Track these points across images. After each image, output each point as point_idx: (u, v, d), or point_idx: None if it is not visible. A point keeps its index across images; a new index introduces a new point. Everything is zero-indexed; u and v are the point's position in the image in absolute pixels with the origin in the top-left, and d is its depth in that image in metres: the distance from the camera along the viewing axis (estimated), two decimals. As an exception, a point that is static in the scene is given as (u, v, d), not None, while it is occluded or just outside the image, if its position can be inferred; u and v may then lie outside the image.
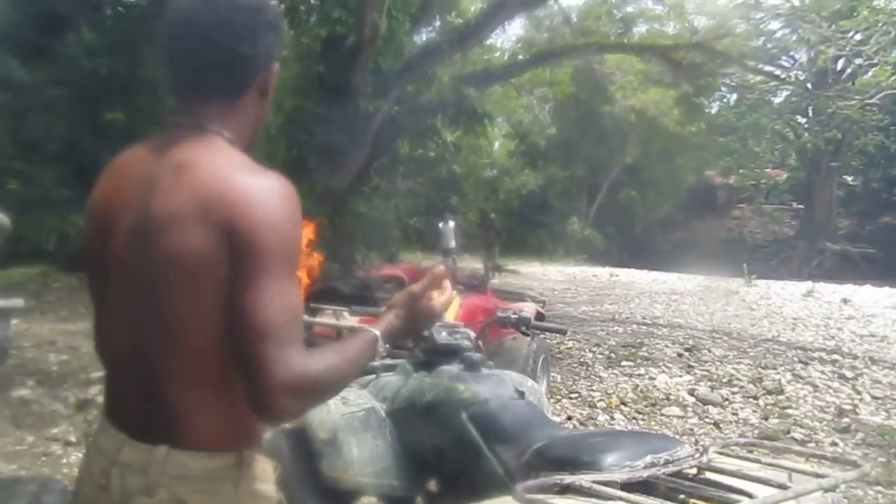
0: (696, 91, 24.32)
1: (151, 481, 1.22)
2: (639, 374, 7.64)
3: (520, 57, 22.03)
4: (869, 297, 17.10)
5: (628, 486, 1.76)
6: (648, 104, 24.59)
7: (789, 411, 6.29)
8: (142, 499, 1.23)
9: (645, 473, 1.86)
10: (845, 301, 16.01)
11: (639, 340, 9.73)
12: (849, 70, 28.31)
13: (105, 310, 1.34)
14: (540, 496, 1.63)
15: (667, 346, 9.56)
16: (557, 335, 7.69)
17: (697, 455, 1.99)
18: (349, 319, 5.26)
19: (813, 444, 5.27)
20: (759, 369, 8.15)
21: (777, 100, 33.73)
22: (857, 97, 20.86)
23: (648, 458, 1.94)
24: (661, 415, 6.11)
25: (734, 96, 35.32)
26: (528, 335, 3.66)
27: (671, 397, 6.67)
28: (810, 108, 33.37)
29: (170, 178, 1.24)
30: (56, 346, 7.13)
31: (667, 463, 1.93)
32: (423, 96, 15.21)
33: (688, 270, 25.62)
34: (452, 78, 15.89)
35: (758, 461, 2.03)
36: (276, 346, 1.13)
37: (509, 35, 28.55)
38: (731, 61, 17.82)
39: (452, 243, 17.89)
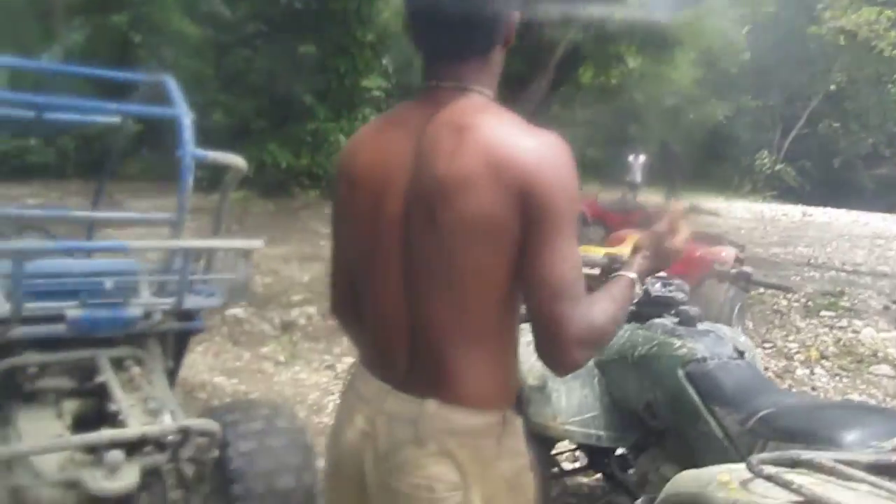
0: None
1: (420, 433, 1.28)
2: (841, 326, 7.09)
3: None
4: None
5: (871, 470, 1.62)
6: (860, 25, 22.03)
7: None
8: (412, 448, 1.28)
9: (894, 457, 1.69)
10: None
11: (839, 289, 8.99)
12: None
13: (371, 269, 1.37)
14: (775, 469, 1.53)
15: (871, 296, 8.77)
16: (790, 293, 7.32)
17: None
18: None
19: None
20: None
21: None
22: None
23: (896, 440, 1.79)
24: (868, 373, 5.63)
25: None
26: (747, 291, 3.47)
27: (879, 354, 6.13)
28: None
29: (450, 141, 1.24)
30: (260, 268, 7.67)
31: None
32: (610, 22, 14.55)
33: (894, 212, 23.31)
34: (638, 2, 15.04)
35: None
36: (570, 303, 1.19)
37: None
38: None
39: (639, 177, 17.37)
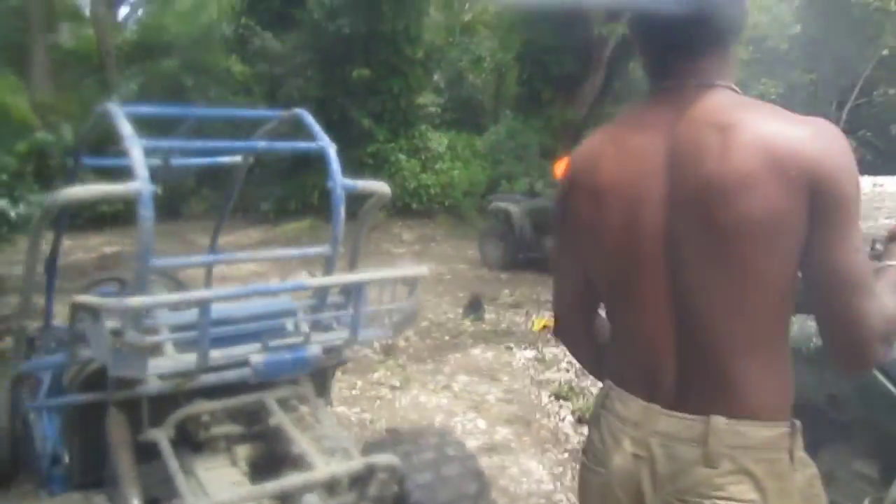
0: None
1: (711, 452, 1.20)
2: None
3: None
4: None
5: None
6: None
7: None
8: (702, 469, 1.21)
9: None
10: None
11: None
12: None
13: (629, 282, 1.29)
14: None
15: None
16: None
17: None
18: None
19: None
20: None
21: None
22: None
23: None
24: None
25: None
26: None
27: None
28: None
29: (715, 140, 1.17)
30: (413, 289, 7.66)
31: None
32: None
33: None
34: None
35: None
36: (870, 296, 1.14)
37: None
38: None
39: None
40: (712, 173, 1.15)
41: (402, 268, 2.41)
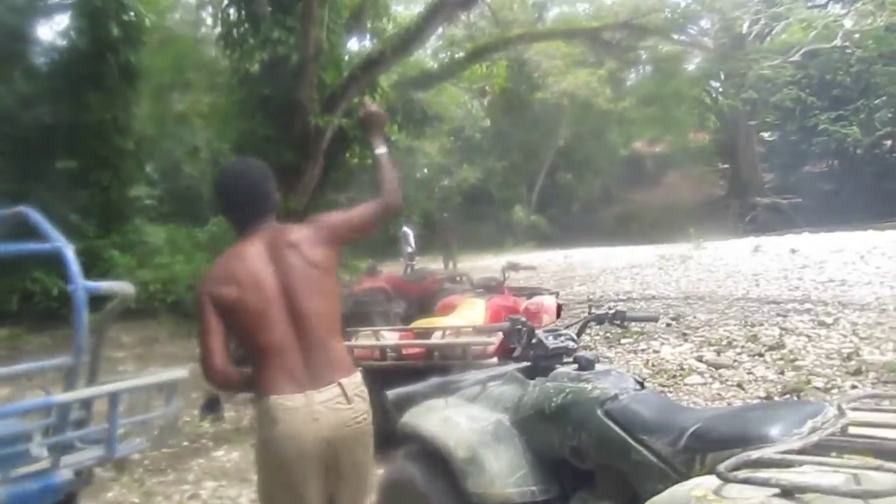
0: (619, 67, 24.95)
1: (350, 397, 2.37)
2: (642, 350, 7.91)
3: (445, 56, 22.27)
4: (812, 245, 17.87)
5: (803, 453, 1.90)
6: (579, 86, 25.06)
7: (798, 363, 6.64)
8: (347, 407, 2.36)
9: (815, 438, 2.00)
10: (793, 251, 16.68)
11: (625, 317, 9.98)
12: (755, 31, 29.41)
13: (269, 320, 2.33)
14: (742, 472, 1.75)
15: (652, 318, 9.83)
16: (655, 321, 7.90)
17: (841, 414, 2.16)
18: (388, 337, 5.35)
19: (836, 391, 5.60)
20: (749, 327, 8.53)
21: (689, 66, 34.78)
22: (778, 57, 21.74)
23: (809, 424, 2.10)
24: (685, 385, 6.36)
25: (648, 67, 36.28)
26: (625, 328, 3.83)
27: (684, 367, 6.95)
28: (721, 72, 34.53)
29: (286, 243, 2.44)
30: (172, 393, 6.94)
31: (824, 425, 2.09)
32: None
33: (634, 242, 26.30)
34: (394, 84, 15.93)
35: (884, 410, 2.22)
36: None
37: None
38: (654, 34, 18.37)
39: (412, 248, 18.21)
40: (298, 252, 2.41)
41: (159, 373, 2.33)
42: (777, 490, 1.68)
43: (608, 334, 8.92)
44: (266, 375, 2.28)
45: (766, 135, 37.35)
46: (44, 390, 2.52)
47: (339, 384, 2.31)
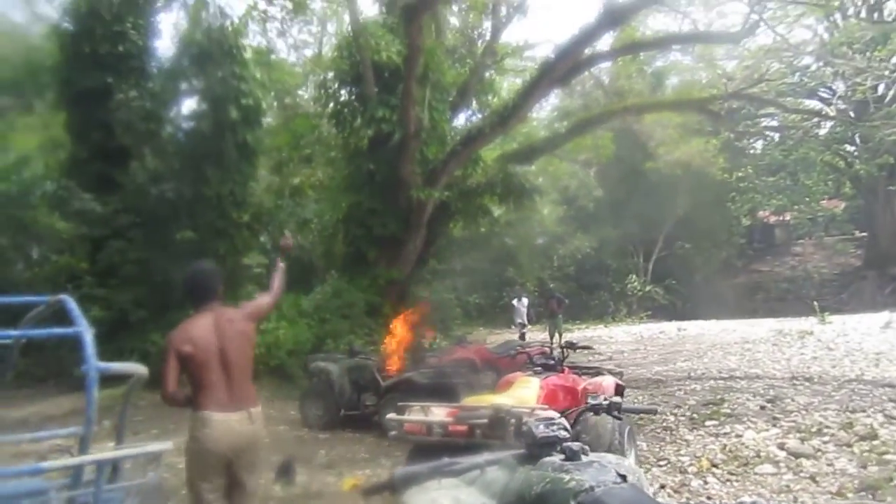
0: (737, 136, 24.36)
1: (254, 419, 3.89)
2: (725, 433, 7.57)
3: (558, 127, 22.58)
4: (954, 323, 16.46)
5: None
6: (693, 155, 24.64)
7: (887, 457, 6.17)
8: (251, 426, 3.85)
9: None
10: (930, 328, 15.44)
11: (719, 397, 9.61)
12: (891, 94, 27.94)
13: (209, 365, 3.79)
14: None
15: (748, 399, 9.40)
16: (654, 415, 7.73)
17: None
18: (437, 413, 5.47)
19: (917, 490, 5.18)
20: (848, 413, 7.99)
21: (822, 131, 33.30)
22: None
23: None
24: (755, 474, 6.05)
25: (777, 135, 35.07)
26: (620, 419, 3.82)
27: (761, 454, 6.61)
28: (856, 136, 32.83)
29: (224, 319, 3.95)
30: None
31: None
32: (471, 179, 15.67)
33: (756, 315, 25.09)
34: (497, 158, 16.37)
35: None
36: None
37: (545, 105, 29.21)
38: (768, 103, 17.90)
39: (526, 319, 18.36)
40: (232, 325, 3.94)
41: (144, 445, 2.59)
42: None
43: (695, 415, 8.62)
44: (203, 398, 3.76)
45: (908, 200, 34.84)
46: (70, 453, 2.83)
47: (248, 411, 3.86)
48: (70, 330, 2.74)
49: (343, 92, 15.32)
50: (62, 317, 3.09)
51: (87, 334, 2.70)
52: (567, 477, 2.77)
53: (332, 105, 15.43)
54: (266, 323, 13.46)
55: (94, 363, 2.62)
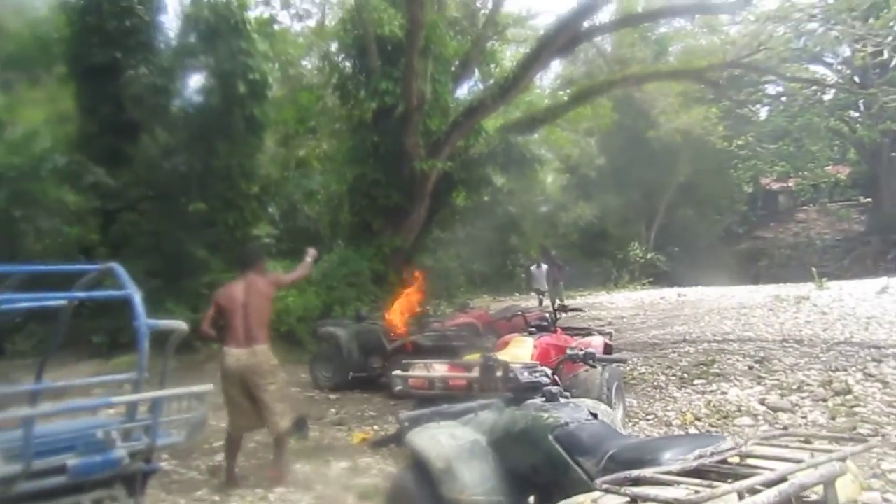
0: (738, 104, 24.51)
1: (257, 353, 5.73)
2: (711, 391, 8.03)
3: (561, 94, 22.81)
4: (949, 287, 16.73)
5: (685, 475, 2.34)
6: (694, 124, 24.84)
7: (857, 409, 6.62)
8: (255, 359, 5.69)
9: (694, 463, 2.42)
10: (925, 292, 15.73)
11: (710, 358, 10.05)
12: (894, 61, 27.91)
13: (235, 311, 5.74)
14: (623, 487, 2.21)
15: (737, 360, 9.83)
16: (624, 364, 8.23)
17: (738, 447, 2.56)
18: (438, 369, 5.94)
19: (879, 437, 5.63)
20: (830, 372, 8.42)
21: (827, 97, 33.22)
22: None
23: (697, 452, 2.51)
24: (734, 426, 6.53)
25: (783, 99, 34.97)
26: (595, 367, 4.27)
27: (742, 409, 7.07)
28: (860, 101, 32.82)
29: (252, 283, 5.88)
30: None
31: (712, 454, 2.50)
32: (473, 149, 16.01)
33: (759, 282, 25.46)
34: (498, 128, 16.68)
35: (787, 447, 2.58)
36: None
37: (548, 73, 29.33)
38: (766, 72, 18.06)
39: (545, 285, 18.80)
40: (256, 288, 5.86)
41: (190, 386, 3.05)
42: (628, 499, 2.16)
43: (685, 375, 9.08)
44: (227, 337, 5.65)
45: (912, 165, 34.92)
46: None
47: (253, 348, 5.62)
48: (122, 292, 3.18)
49: (347, 64, 15.62)
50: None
51: (136, 296, 3.14)
52: (546, 415, 3.25)
53: (336, 77, 15.73)
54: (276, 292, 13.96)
55: (144, 320, 3.06)
